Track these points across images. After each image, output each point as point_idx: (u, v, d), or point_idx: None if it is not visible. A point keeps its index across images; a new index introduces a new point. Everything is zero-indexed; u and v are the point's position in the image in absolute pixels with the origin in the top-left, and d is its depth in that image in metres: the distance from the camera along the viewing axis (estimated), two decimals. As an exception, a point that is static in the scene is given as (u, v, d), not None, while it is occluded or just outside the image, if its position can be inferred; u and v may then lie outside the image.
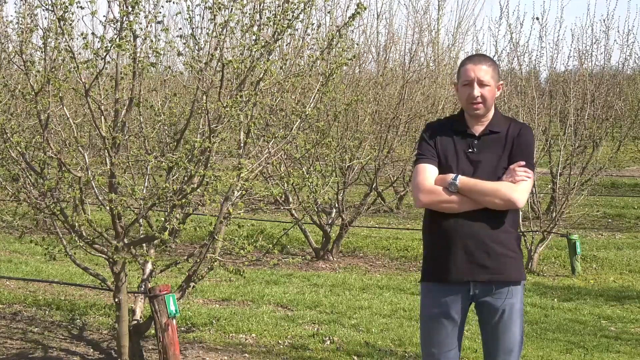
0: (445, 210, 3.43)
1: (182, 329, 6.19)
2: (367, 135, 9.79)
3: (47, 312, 6.82)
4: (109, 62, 4.47)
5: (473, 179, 3.41)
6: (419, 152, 3.55)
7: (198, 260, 4.96)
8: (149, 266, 5.30)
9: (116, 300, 4.95)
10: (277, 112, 5.76)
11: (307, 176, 5.66)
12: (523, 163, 3.43)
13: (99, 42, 4.47)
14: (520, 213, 8.57)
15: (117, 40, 4.36)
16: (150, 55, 4.61)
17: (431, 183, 3.46)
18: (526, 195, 3.44)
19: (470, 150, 3.49)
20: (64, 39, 4.42)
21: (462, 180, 3.40)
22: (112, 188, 4.66)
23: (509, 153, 3.46)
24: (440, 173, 3.48)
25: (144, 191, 5.04)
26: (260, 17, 4.76)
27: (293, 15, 4.72)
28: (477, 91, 3.44)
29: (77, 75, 4.47)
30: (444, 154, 3.50)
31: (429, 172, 3.48)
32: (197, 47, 4.74)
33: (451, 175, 3.43)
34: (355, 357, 5.56)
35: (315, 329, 6.27)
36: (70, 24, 4.43)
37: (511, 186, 3.39)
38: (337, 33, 5.08)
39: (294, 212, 9.37)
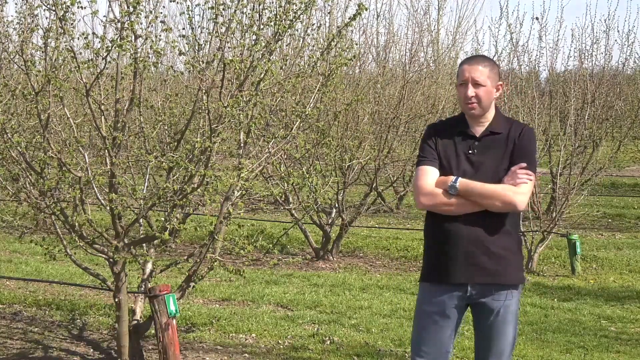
0: (445, 213, 3.43)
1: (182, 329, 6.18)
2: (367, 135, 9.78)
3: (47, 312, 6.82)
4: (109, 62, 4.47)
5: (473, 181, 3.40)
6: (420, 154, 3.55)
7: (198, 260, 4.96)
8: (149, 266, 5.30)
9: (116, 300, 4.95)
10: (278, 112, 5.76)
11: (307, 176, 5.66)
12: (524, 165, 3.42)
13: (99, 42, 4.47)
14: (521, 214, 8.57)
15: (119, 40, 4.36)
16: (151, 55, 4.61)
17: (432, 185, 3.45)
18: (527, 197, 3.42)
19: (470, 151, 3.48)
20: (65, 39, 4.42)
21: (462, 182, 3.40)
22: (112, 188, 4.66)
23: (510, 155, 3.44)
24: (441, 174, 3.47)
25: (144, 191, 5.04)
26: (260, 17, 4.76)
27: (294, 16, 4.72)
28: (471, 91, 3.45)
29: (78, 75, 4.47)
30: (444, 155, 3.49)
31: (430, 174, 3.48)
32: (197, 47, 4.74)
33: (451, 178, 3.42)
34: (355, 357, 5.56)
35: (315, 329, 6.26)
36: (72, 24, 4.43)
37: (512, 189, 3.38)
38: (337, 33, 5.08)
39: (294, 212, 9.36)
